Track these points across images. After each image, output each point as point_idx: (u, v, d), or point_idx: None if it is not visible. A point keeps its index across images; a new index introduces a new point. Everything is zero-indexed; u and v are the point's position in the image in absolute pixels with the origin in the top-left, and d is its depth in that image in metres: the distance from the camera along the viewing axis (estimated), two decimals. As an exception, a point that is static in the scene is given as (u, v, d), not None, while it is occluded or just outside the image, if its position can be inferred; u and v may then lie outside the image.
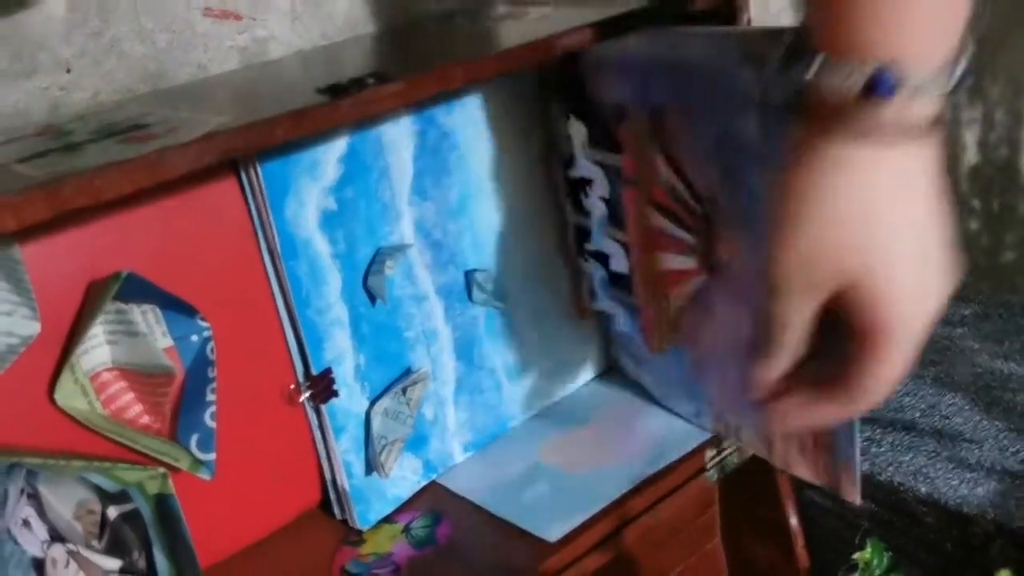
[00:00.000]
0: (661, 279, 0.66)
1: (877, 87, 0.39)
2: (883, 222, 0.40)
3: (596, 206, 0.69)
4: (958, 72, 0.39)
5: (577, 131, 0.68)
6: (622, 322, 0.72)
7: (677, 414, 0.73)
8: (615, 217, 0.68)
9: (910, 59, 0.38)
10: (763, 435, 0.66)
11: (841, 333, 0.43)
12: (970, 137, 1.33)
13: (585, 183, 0.69)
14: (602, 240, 0.70)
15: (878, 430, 1.06)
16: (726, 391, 0.66)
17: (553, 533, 0.62)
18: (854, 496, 0.60)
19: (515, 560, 0.61)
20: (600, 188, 0.68)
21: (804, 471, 0.62)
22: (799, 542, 0.76)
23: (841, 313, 0.42)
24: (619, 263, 0.69)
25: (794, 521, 0.76)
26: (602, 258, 0.71)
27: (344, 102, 0.46)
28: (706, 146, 0.59)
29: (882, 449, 1.03)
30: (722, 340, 0.64)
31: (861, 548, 0.74)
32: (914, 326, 0.41)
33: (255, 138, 0.43)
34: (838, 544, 1.01)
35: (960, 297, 1.24)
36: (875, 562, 0.73)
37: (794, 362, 0.45)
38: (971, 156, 1.34)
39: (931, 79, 0.39)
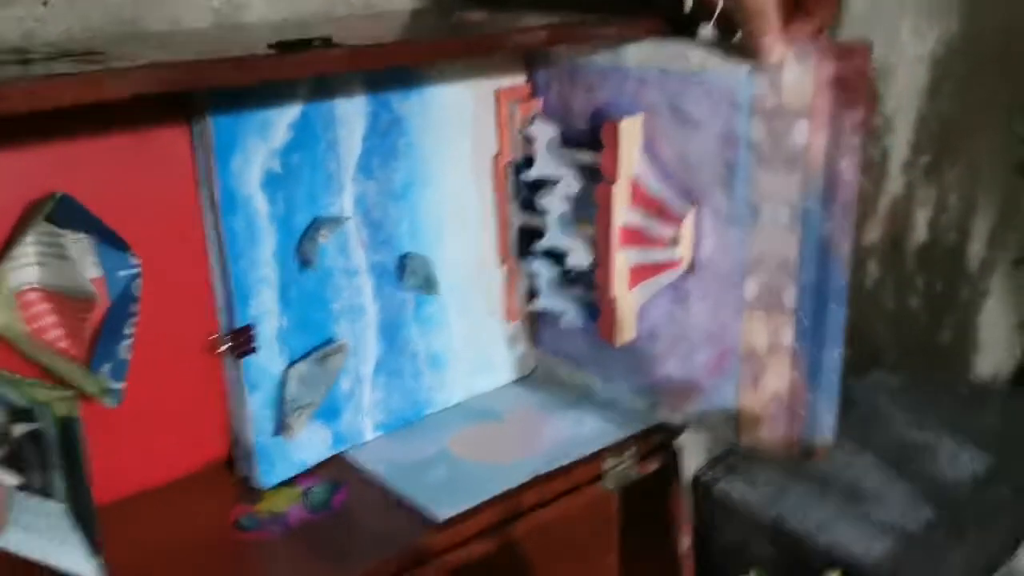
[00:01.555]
0: (633, 273, 0.70)
1: None
2: None
3: (557, 204, 0.72)
4: None
5: (543, 132, 0.71)
6: (572, 318, 0.75)
7: (625, 408, 0.76)
8: (580, 214, 0.72)
9: None
10: (729, 417, 0.70)
11: None
12: (921, 216, 1.37)
13: (545, 183, 0.72)
14: (560, 237, 0.73)
15: (791, 480, 1.09)
16: (692, 378, 0.71)
17: (443, 513, 0.64)
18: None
19: (402, 533, 0.63)
20: (566, 187, 0.72)
21: (774, 448, 0.69)
22: (688, 565, 0.78)
23: None
24: (579, 259, 0.72)
25: (686, 544, 0.78)
26: (556, 256, 0.74)
27: (288, 57, 0.48)
28: (693, 149, 0.66)
29: (792, 498, 1.06)
30: (693, 331, 0.70)
31: (747, 578, 0.77)
32: None
33: (196, 75, 0.46)
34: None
35: (889, 367, 1.28)
36: (757, 592, 0.75)
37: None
38: (920, 235, 1.38)
39: None
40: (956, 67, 1.32)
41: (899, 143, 1.28)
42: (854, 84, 0.59)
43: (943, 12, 1.28)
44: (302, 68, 0.49)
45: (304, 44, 0.49)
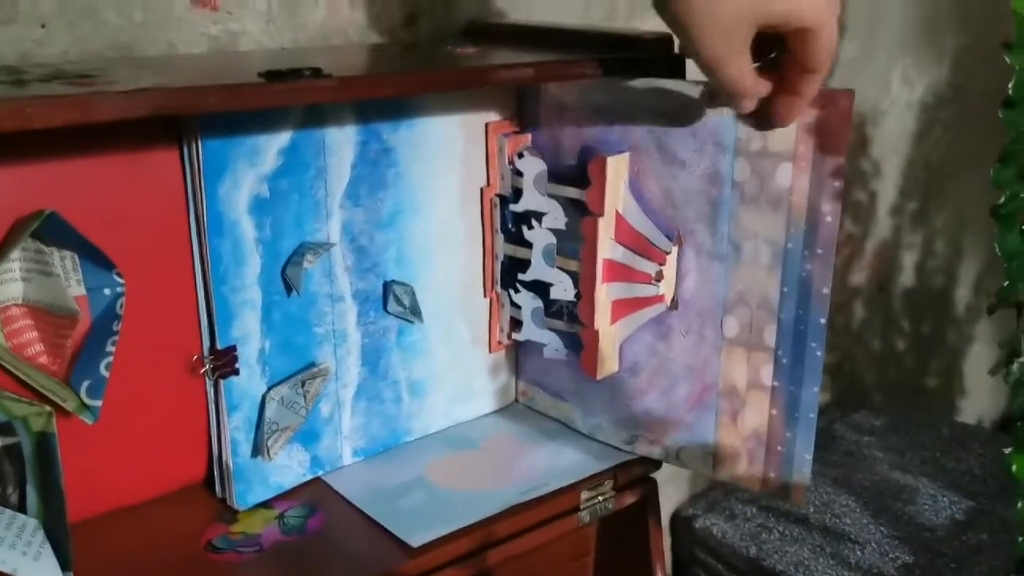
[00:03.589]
0: (616, 307, 0.71)
1: None
2: None
3: (543, 237, 0.73)
4: None
5: (531, 165, 0.73)
6: (554, 350, 0.76)
7: (605, 442, 0.76)
8: (565, 248, 0.73)
9: None
10: (707, 452, 0.71)
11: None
12: (909, 260, 1.38)
13: (531, 216, 0.73)
14: (545, 270, 0.73)
15: (771, 518, 1.09)
16: (672, 412, 0.72)
17: (416, 539, 0.64)
18: (802, 503, 0.71)
19: (376, 558, 0.63)
20: (553, 220, 0.73)
21: (752, 483, 0.70)
22: (662, 600, 0.78)
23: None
24: (563, 292, 0.73)
25: (661, 579, 0.78)
26: (541, 288, 0.75)
27: (277, 86, 0.49)
28: (678, 187, 0.67)
29: (772, 537, 1.06)
30: (674, 366, 0.71)
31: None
32: (831, 16, 0.54)
33: (187, 100, 0.47)
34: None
35: (873, 407, 1.28)
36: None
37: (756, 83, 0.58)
38: (907, 278, 1.39)
39: None
40: (944, 115, 1.33)
41: (887, 187, 1.29)
42: (836, 130, 0.60)
43: (933, 62, 1.30)
44: (291, 97, 0.50)
45: (294, 74, 0.50)
